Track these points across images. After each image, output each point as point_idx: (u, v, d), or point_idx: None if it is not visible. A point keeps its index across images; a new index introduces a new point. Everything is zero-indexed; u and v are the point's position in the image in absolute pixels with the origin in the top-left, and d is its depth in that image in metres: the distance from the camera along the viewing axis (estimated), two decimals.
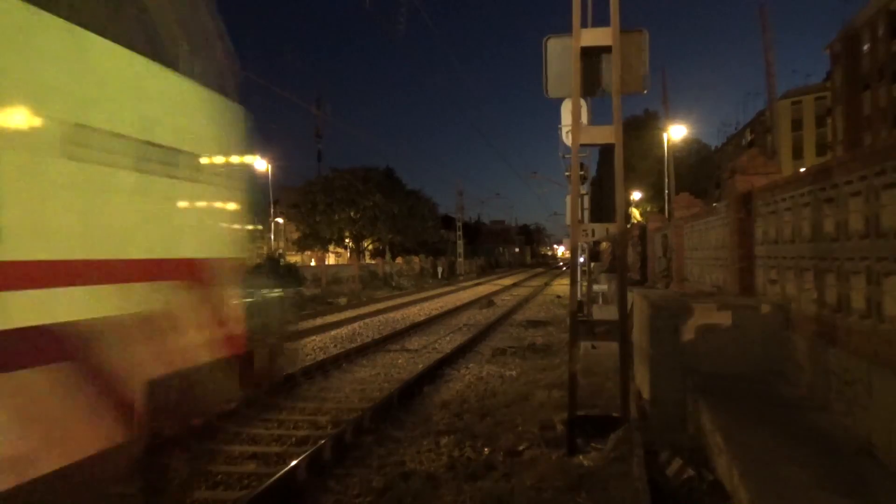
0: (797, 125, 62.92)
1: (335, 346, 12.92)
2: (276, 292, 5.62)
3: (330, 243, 43.49)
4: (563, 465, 5.40)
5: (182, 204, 3.97)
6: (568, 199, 12.21)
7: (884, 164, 4.01)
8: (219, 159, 4.45)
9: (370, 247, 46.75)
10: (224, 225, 4.60)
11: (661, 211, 28.94)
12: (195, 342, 3.96)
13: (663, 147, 29.85)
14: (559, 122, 11.87)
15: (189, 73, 4.11)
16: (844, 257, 4.63)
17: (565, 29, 5.77)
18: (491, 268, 74.69)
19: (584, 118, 6.16)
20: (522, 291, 30.76)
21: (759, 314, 5.93)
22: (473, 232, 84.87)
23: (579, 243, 6.19)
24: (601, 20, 5.85)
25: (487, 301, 23.27)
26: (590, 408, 6.97)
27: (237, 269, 4.62)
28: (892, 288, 3.90)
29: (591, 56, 5.76)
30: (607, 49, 5.67)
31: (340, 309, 22.21)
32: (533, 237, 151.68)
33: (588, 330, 10.93)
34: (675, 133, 30.75)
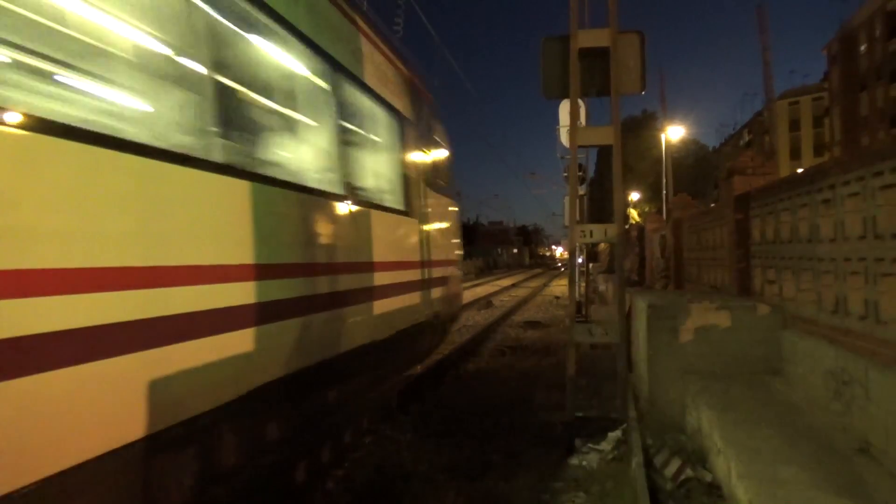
0: (795, 125, 63.10)
1: None
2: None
3: None
4: (562, 465, 5.41)
5: (455, 241, 10.32)
6: (566, 199, 12.23)
7: (881, 164, 4.02)
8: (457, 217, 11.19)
9: None
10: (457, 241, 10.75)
11: (659, 211, 28.97)
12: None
13: (661, 147, 29.89)
14: (557, 122, 11.91)
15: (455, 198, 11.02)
16: (842, 258, 4.64)
17: (563, 27, 5.79)
18: (489, 268, 74.67)
19: (582, 119, 6.16)
20: (521, 292, 30.72)
21: (757, 315, 5.94)
22: (471, 233, 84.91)
23: (578, 244, 6.18)
24: (598, 21, 5.86)
25: (486, 302, 23.25)
26: (588, 408, 6.98)
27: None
28: (890, 289, 3.91)
29: (588, 57, 5.76)
30: (605, 50, 5.68)
31: None
32: (531, 238, 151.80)
33: (586, 331, 10.92)
34: (673, 133, 30.81)
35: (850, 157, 4.63)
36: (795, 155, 60.53)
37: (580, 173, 11.93)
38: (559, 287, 33.12)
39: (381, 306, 6.28)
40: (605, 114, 5.77)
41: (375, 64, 6.59)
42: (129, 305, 2.84)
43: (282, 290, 4.22)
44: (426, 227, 8.23)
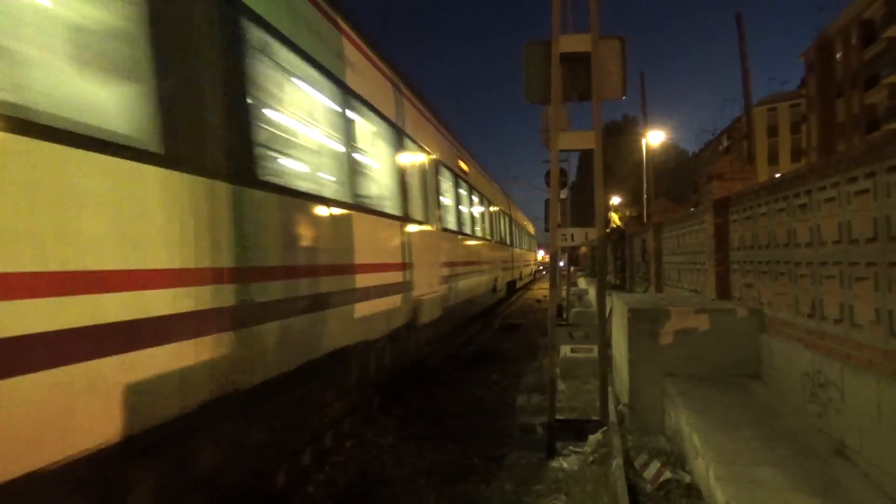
0: (773, 131, 63.94)
1: None
2: None
3: None
4: (543, 468, 5.42)
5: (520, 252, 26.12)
6: (548, 203, 12.27)
7: (856, 170, 4.09)
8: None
9: None
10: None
11: (640, 215, 29.21)
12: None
13: (642, 152, 30.12)
14: (539, 126, 11.95)
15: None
16: (818, 262, 4.71)
17: (545, 31, 5.83)
18: None
19: (564, 123, 6.20)
20: (500, 295, 30.74)
21: (736, 318, 6.01)
22: None
23: (559, 247, 6.21)
24: (580, 26, 5.90)
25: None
26: (569, 411, 7.01)
27: None
28: (864, 292, 3.97)
29: (570, 62, 5.80)
30: (586, 55, 5.72)
31: None
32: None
33: (567, 334, 10.99)
34: (654, 138, 31.03)
35: (825, 163, 4.70)
36: (773, 160, 61.33)
37: (562, 177, 12.00)
38: (540, 290, 33.19)
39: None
40: (588, 118, 5.81)
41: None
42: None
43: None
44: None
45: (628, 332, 6.21)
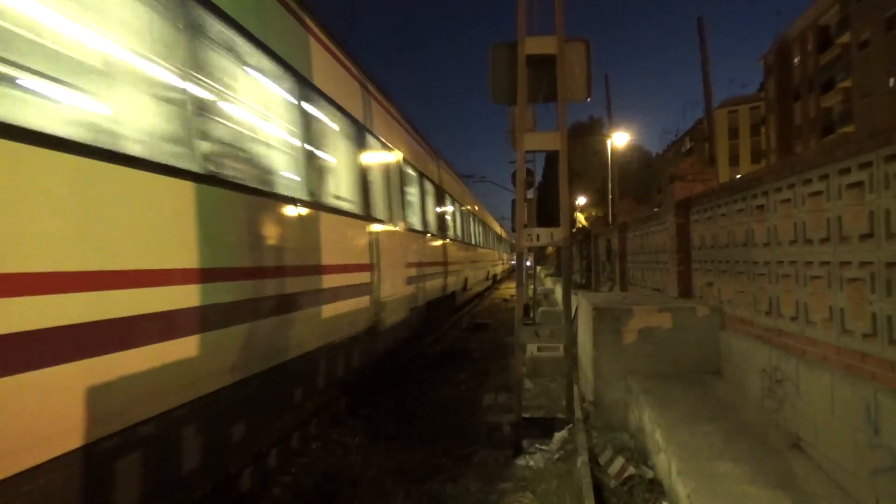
0: (734, 133, 65.40)
1: None
2: None
3: None
4: (510, 466, 5.47)
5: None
6: (514, 203, 12.35)
7: (810, 173, 4.22)
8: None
9: None
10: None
11: (606, 215, 29.57)
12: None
13: (607, 153, 30.52)
14: (506, 127, 12.02)
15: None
16: (774, 261, 4.85)
17: (511, 32, 5.88)
18: None
19: (530, 124, 6.26)
20: (467, 295, 30.85)
21: (697, 316, 6.14)
22: None
23: (525, 247, 6.27)
24: (546, 28, 5.96)
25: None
26: (536, 409, 7.09)
27: None
28: (818, 291, 4.10)
29: (536, 63, 5.86)
30: (552, 57, 5.79)
31: None
32: None
33: (533, 333, 11.07)
34: (619, 139, 31.47)
35: (781, 165, 4.84)
36: (734, 162, 62.74)
37: (529, 178, 12.08)
38: (507, 290, 33.38)
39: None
40: (553, 119, 5.88)
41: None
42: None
43: None
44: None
45: (593, 330, 6.30)
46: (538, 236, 6.11)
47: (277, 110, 5.12)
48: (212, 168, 3.89)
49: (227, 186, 4.05)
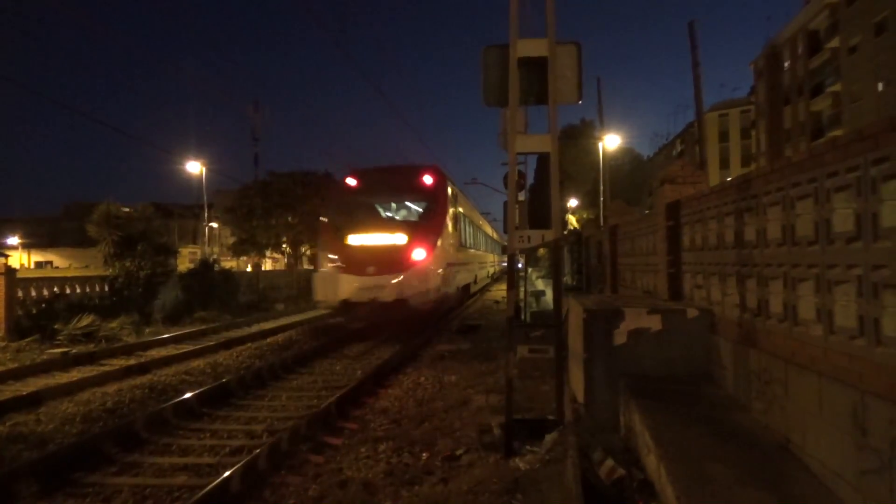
0: (724, 137, 65.72)
1: (271, 352, 12.67)
2: None
3: (267, 248, 42.47)
4: (500, 468, 5.47)
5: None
6: (506, 205, 12.35)
7: (798, 176, 4.25)
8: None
9: (309, 252, 45.94)
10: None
11: (597, 218, 29.77)
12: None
13: (598, 155, 30.66)
14: (498, 130, 12.04)
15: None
16: (763, 263, 4.87)
17: (503, 35, 5.89)
18: None
19: (522, 126, 6.27)
20: (474, 288, 30.94)
21: (687, 318, 6.17)
22: None
23: (517, 249, 6.29)
24: (537, 31, 5.98)
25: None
26: (526, 411, 7.08)
27: None
28: (806, 292, 4.13)
29: (527, 66, 5.87)
30: (543, 59, 5.80)
31: (277, 315, 21.85)
32: None
33: (524, 335, 11.08)
34: (610, 142, 31.64)
35: (771, 168, 4.87)
36: (725, 165, 63.03)
37: (520, 180, 12.10)
38: (498, 292, 33.45)
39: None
40: (545, 122, 5.90)
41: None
42: None
43: None
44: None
45: (584, 332, 6.32)
46: (529, 238, 6.12)
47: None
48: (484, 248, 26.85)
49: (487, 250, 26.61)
